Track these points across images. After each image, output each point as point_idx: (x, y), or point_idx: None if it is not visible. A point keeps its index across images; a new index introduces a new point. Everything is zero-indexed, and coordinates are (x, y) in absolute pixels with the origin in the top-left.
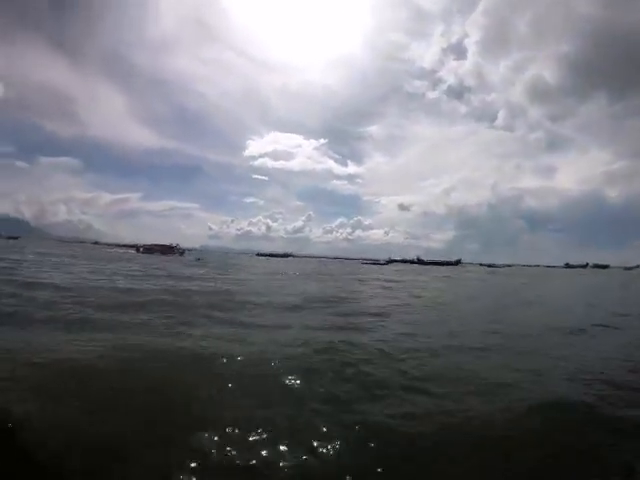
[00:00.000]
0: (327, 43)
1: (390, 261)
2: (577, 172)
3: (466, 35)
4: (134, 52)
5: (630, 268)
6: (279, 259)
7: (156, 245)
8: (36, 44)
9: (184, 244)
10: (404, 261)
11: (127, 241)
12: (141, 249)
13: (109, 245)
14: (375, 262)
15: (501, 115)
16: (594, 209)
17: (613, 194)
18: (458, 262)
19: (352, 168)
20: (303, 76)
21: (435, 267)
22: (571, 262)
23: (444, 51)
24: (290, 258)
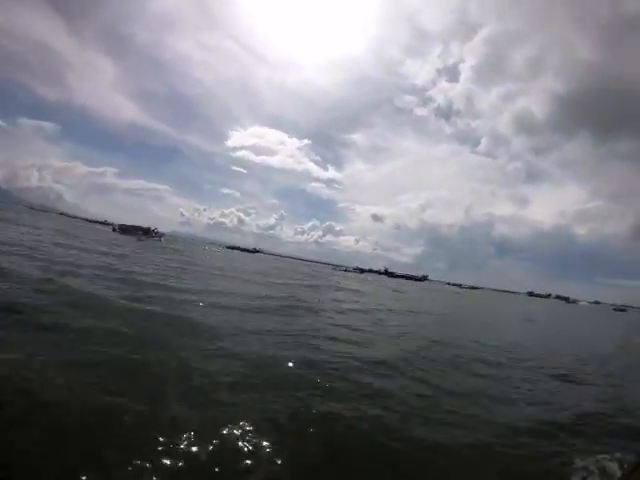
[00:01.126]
0: (327, 45)
1: (359, 269)
2: (551, 206)
3: (462, 60)
4: (134, 26)
5: (592, 302)
6: (247, 254)
7: (133, 226)
8: (37, 2)
9: (154, 227)
10: (371, 271)
11: (97, 217)
12: (117, 229)
13: (77, 218)
14: (349, 269)
15: (484, 141)
16: (564, 243)
17: (582, 232)
18: (425, 278)
19: (332, 172)
20: (298, 74)
21: (404, 280)
22: (536, 291)
23: (438, 71)
24: (260, 254)
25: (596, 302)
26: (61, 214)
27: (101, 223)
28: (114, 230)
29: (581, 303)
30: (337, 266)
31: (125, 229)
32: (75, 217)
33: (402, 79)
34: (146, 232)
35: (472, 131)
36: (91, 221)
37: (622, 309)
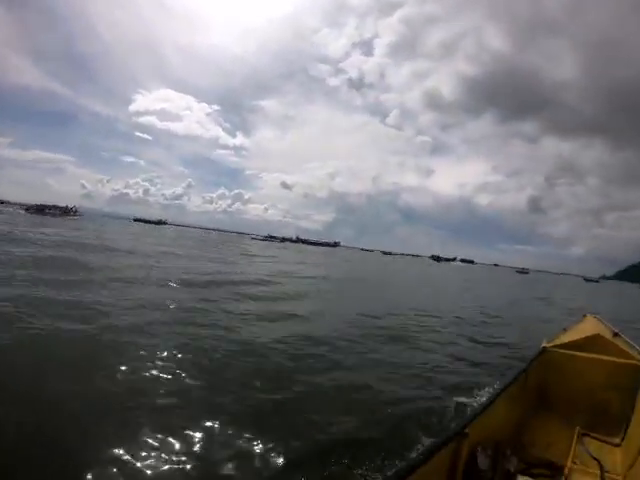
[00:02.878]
0: (241, 7)
1: (269, 237)
2: (455, 178)
3: (377, 35)
4: None
5: (497, 265)
6: (153, 226)
7: (49, 205)
8: None
9: (54, 203)
10: (284, 239)
11: None
12: (32, 209)
13: None
14: (268, 238)
15: (394, 114)
16: (466, 213)
17: (484, 202)
18: (337, 244)
19: (240, 139)
20: (208, 37)
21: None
22: (442, 255)
23: (354, 44)
24: (167, 227)
25: (495, 264)
26: None
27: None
28: (27, 210)
29: (480, 265)
30: (248, 235)
31: (41, 209)
32: None
33: (317, 49)
34: (65, 211)
35: (382, 104)
36: None
37: (525, 271)
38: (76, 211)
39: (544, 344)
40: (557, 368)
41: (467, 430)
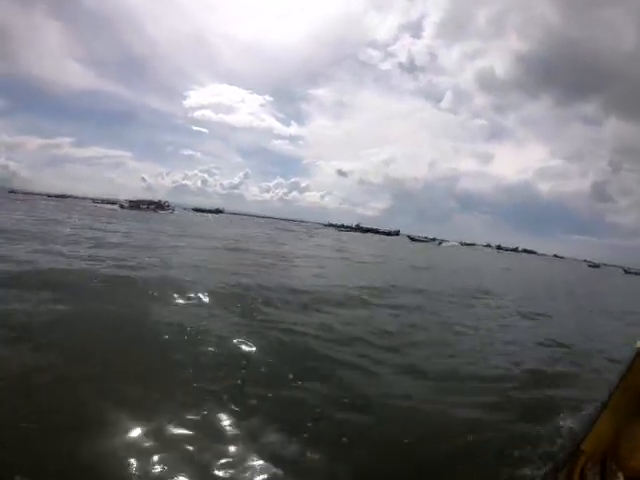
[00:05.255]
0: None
1: (329, 225)
2: (514, 163)
3: (426, 15)
4: None
5: (557, 256)
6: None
7: (143, 201)
8: None
9: (116, 195)
10: (343, 226)
11: (55, 190)
12: (126, 205)
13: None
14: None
15: (447, 97)
16: (526, 199)
17: (545, 189)
18: (397, 233)
19: (294, 129)
20: (256, 28)
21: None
22: (503, 245)
23: (402, 26)
24: (221, 215)
25: (555, 255)
26: (10, 192)
27: (62, 196)
28: (122, 207)
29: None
30: (305, 222)
31: (137, 205)
32: (26, 193)
33: (365, 33)
34: (159, 206)
35: (435, 87)
36: (56, 196)
37: (596, 265)
38: (169, 205)
39: (638, 345)
40: None
41: (582, 447)
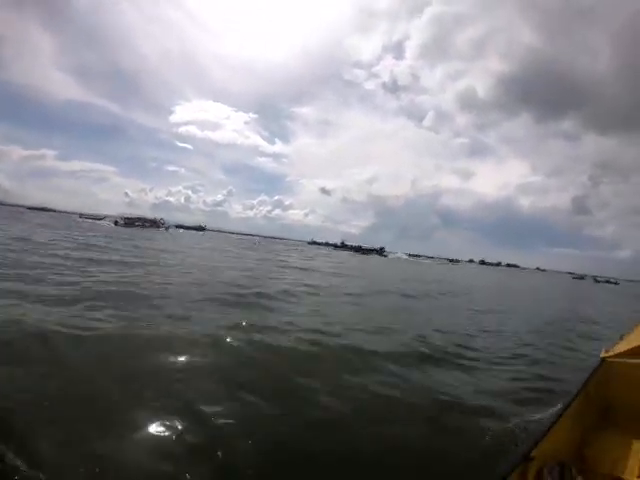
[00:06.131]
0: (275, 18)
1: (312, 243)
2: (495, 179)
3: (408, 37)
4: None
5: (539, 269)
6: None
7: (138, 218)
8: None
9: (98, 210)
10: (327, 244)
11: (35, 202)
12: (120, 222)
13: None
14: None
15: (429, 116)
16: (507, 215)
17: (526, 204)
18: (382, 250)
19: (279, 147)
20: (244, 47)
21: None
22: (486, 260)
23: (385, 47)
24: (205, 232)
25: (537, 268)
26: None
27: (43, 209)
28: (116, 224)
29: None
30: (286, 239)
31: (131, 222)
32: (15, 205)
33: (350, 54)
34: (154, 223)
35: (417, 106)
36: (35, 208)
37: (581, 277)
38: (164, 222)
39: (602, 354)
40: (620, 379)
41: (533, 453)
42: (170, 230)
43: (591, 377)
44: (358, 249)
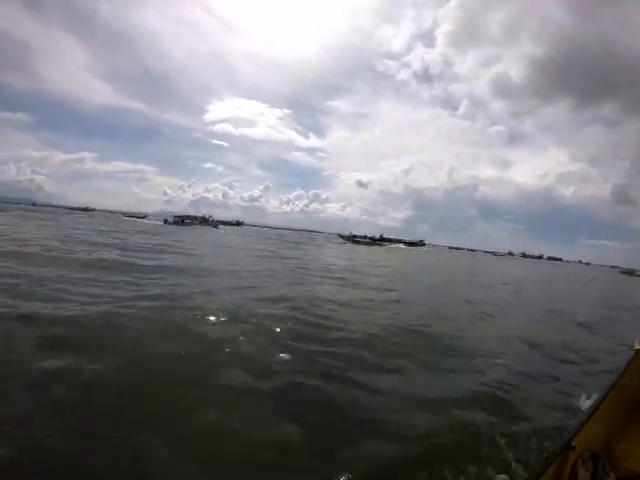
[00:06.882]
0: (302, 14)
1: (353, 236)
2: (534, 168)
3: (437, 25)
4: (100, 3)
5: (582, 262)
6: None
7: (187, 216)
8: None
9: (138, 209)
10: (365, 237)
11: (77, 203)
12: (170, 220)
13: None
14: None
15: (464, 104)
16: (548, 205)
17: (567, 193)
18: (422, 243)
19: (314, 141)
20: (274, 43)
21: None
22: (527, 252)
23: (414, 36)
24: (245, 227)
25: (579, 262)
26: (33, 204)
27: (85, 209)
28: (166, 222)
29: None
30: (322, 233)
31: (182, 220)
32: (52, 206)
33: (379, 45)
34: (203, 220)
35: (451, 95)
36: (77, 209)
37: (630, 272)
38: (213, 219)
39: (637, 346)
40: None
41: (574, 443)
42: (219, 227)
43: (626, 369)
44: (399, 242)
